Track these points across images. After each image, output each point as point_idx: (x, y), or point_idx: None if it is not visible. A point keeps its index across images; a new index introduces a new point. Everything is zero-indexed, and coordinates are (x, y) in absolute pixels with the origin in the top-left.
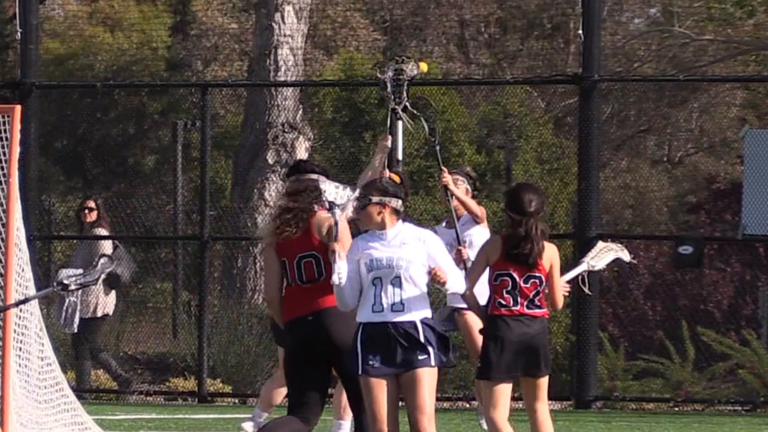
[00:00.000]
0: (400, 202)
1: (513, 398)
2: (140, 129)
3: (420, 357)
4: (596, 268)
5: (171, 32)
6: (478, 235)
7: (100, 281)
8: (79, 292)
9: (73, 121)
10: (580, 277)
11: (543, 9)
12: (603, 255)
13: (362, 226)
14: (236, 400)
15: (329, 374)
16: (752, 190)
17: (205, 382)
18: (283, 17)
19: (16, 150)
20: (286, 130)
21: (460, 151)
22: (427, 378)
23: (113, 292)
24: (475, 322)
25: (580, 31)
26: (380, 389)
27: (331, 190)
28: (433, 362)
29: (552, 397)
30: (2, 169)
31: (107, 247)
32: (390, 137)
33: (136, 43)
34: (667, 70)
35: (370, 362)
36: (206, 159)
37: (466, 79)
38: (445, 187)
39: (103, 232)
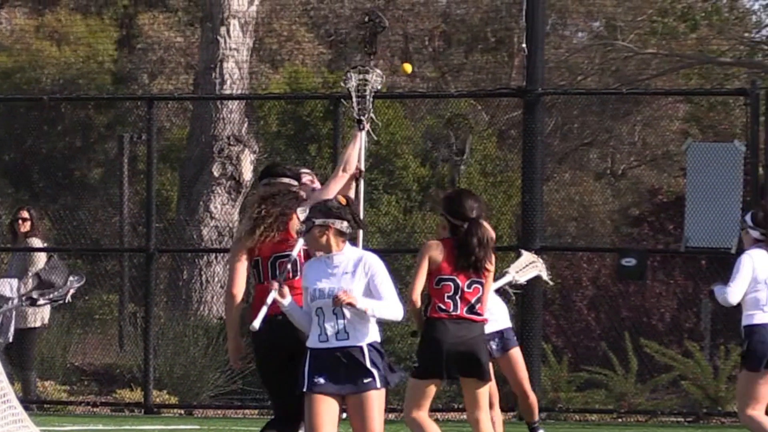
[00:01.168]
0: (345, 223)
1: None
2: (87, 142)
3: (365, 380)
4: (518, 282)
5: (117, 46)
6: None
7: (68, 297)
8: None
9: (20, 134)
10: (502, 288)
11: (487, 23)
12: (528, 270)
13: (310, 248)
14: (182, 411)
15: None
16: (695, 203)
17: (151, 393)
18: (228, 31)
19: None
20: (232, 143)
21: (404, 164)
22: (375, 400)
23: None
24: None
25: (524, 45)
26: (323, 405)
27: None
28: (378, 384)
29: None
30: None
31: (41, 257)
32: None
33: (83, 56)
34: (611, 83)
35: (316, 380)
36: (152, 172)
37: (410, 92)
38: None
39: (37, 242)
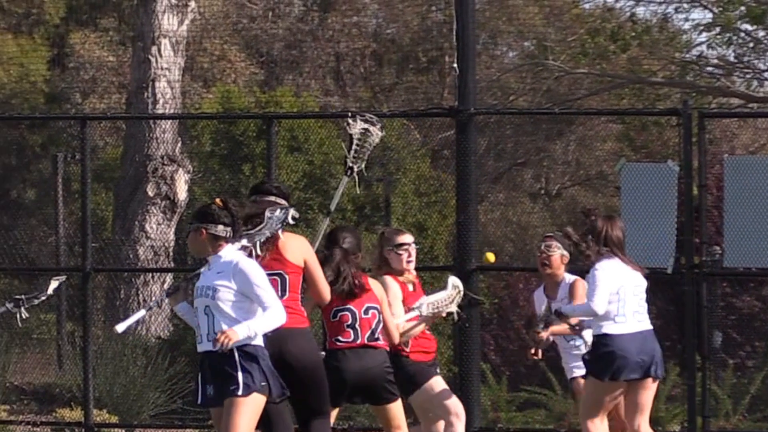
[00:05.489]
0: (220, 227)
1: None
2: (21, 161)
3: (231, 387)
4: (423, 314)
5: (49, 65)
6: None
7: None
8: None
9: None
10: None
11: (417, 43)
12: (441, 306)
13: (191, 251)
14: (123, 431)
15: (300, 392)
16: (630, 223)
17: (91, 412)
18: (159, 50)
19: None
20: (166, 162)
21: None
22: (235, 408)
23: None
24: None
25: (455, 65)
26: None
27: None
28: (240, 392)
29: None
30: None
31: None
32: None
33: (15, 76)
34: (542, 103)
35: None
36: (87, 191)
37: (342, 112)
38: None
39: None
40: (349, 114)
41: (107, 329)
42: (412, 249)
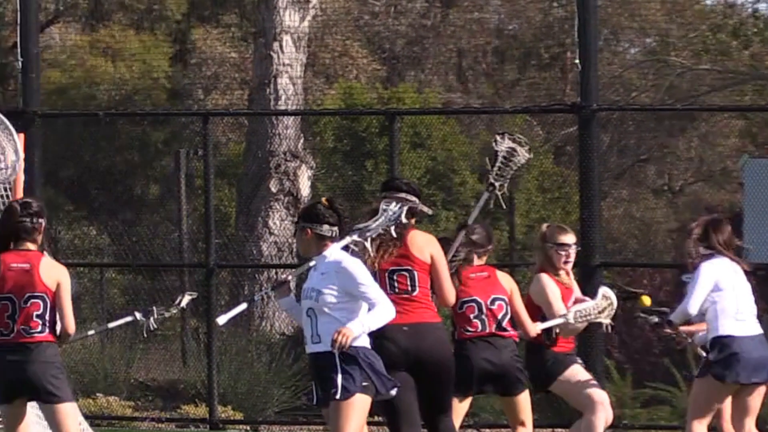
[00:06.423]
0: (325, 227)
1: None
2: (144, 158)
3: (331, 390)
4: (570, 322)
5: (171, 61)
6: None
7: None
8: None
9: (77, 151)
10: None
11: (539, 39)
12: (591, 316)
13: (299, 251)
14: (248, 427)
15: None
16: (753, 218)
17: (216, 409)
18: (281, 46)
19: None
20: (288, 158)
21: (462, 180)
22: (337, 412)
23: None
24: None
25: (577, 61)
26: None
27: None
28: (339, 395)
29: (561, 424)
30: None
31: None
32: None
33: (137, 72)
34: (665, 99)
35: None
36: (210, 187)
37: (465, 108)
38: None
39: None
40: (497, 132)
41: (231, 325)
42: (572, 250)
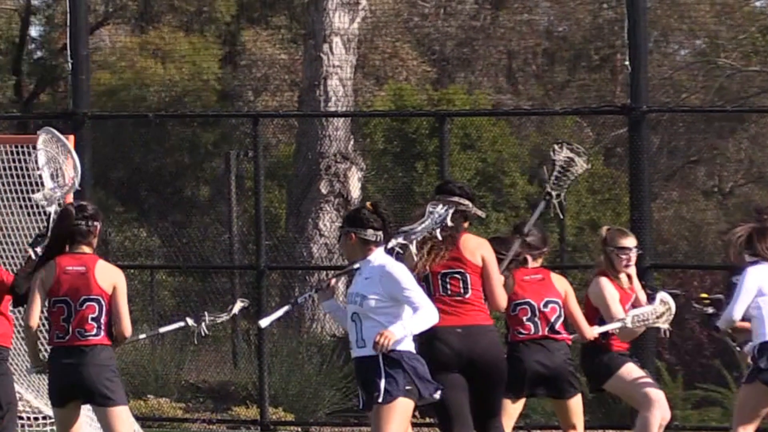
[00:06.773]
0: (370, 231)
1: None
2: (194, 159)
3: (374, 394)
4: (628, 326)
5: (221, 63)
6: None
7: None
8: None
9: (127, 152)
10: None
11: (589, 40)
12: (650, 320)
13: (343, 255)
14: (299, 429)
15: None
16: None
17: (267, 410)
18: (331, 48)
19: None
20: (339, 160)
21: (512, 182)
22: (379, 415)
23: None
24: None
25: (627, 62)
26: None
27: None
28: (381, 399)
29: (612, 426)
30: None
31: None
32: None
33: (187, 74)
34: (714, 100)
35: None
36: (260, 189)
37: (515, 110)
38: None
39: None
40: (558, 142)
41: (282, 327)
42: (633, 254)
